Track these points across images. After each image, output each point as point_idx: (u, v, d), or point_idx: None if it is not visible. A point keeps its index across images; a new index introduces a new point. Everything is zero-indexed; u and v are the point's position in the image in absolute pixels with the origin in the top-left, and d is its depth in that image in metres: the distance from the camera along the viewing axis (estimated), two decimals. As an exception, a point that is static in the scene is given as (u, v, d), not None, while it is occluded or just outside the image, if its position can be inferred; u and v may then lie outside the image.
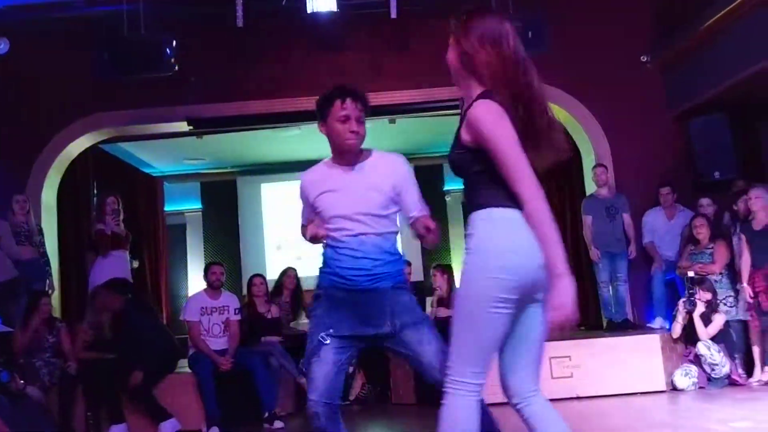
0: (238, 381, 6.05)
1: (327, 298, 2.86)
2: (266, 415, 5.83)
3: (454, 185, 12.26)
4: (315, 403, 2.74)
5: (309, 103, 8.44)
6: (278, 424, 5.78)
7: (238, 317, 6.31)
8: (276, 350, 6.33)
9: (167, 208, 11.79)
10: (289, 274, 7.36)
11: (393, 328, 2.75)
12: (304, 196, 2.98)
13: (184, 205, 12.34)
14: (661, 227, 7.27)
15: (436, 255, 11.40)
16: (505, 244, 2.18)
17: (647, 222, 7.32)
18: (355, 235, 2.81)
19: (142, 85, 7.47)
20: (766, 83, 6.51)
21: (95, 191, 8.65)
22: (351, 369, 7.13)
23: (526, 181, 2.17)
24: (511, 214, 2.20)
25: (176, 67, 6.84)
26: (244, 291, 7.47)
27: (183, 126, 8.09)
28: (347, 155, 2.88)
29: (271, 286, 7.19)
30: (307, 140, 9.72)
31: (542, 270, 2.19)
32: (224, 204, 11.78)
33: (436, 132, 10.34)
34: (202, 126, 8.23)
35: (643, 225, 7.33)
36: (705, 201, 6.97)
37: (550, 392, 5.75)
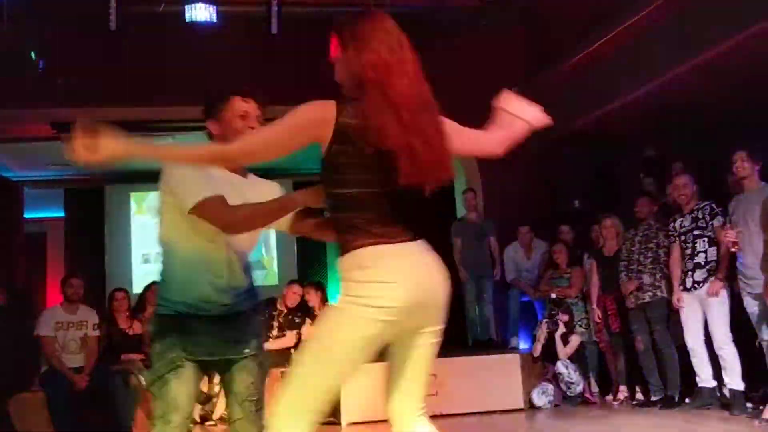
0: (94, 400, 5.75)
1: None
2: (123, 436, 5.58)
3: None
4: None
5: (182, 112, 8.31)
6: (136, 445, 5.54)
7: (97, 333, 6.01)
8: (136, 368, 6.08)
9: (27, 215, 11.09)
10: (153, 289, 7.10)
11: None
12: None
13: (46, 212, 11.64)
14: (522, 263, 7.62)
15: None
16: None
17: (509, 259, 7.62)
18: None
19: (4, 83, 7.02)
20: (621, 118, 7.01)
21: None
22: (217, 388, 6.97)
23: None
24: None
25: (42, 67, 6.48)
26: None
27: (47, 129, 7.66)
28: None
29: (135, 301, 6.91)
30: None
31: None
32: (90, 213, 11.18)
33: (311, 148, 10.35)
34: (69, 130, 7.81)
35: (505, 261, 7.63)
36: (564, 228, 7.38)
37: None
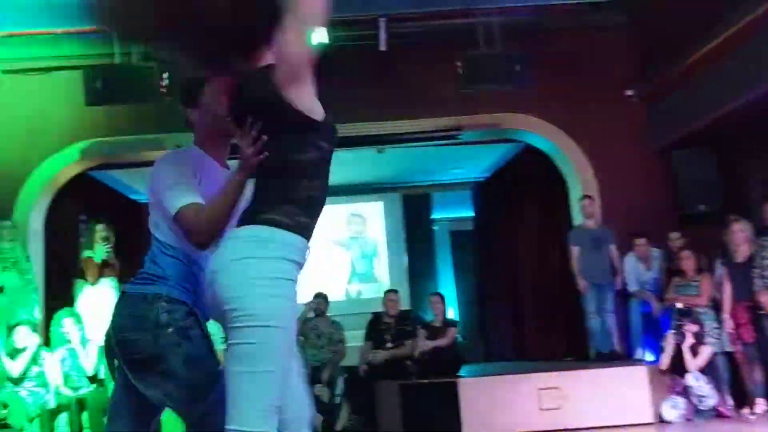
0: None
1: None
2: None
3: (441, 214, 12.33)
4: None
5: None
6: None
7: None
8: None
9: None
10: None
11: None
12: (193, 171, 2.25)
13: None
14: (642, 275, 7.32)
15: (423, 283, 11.41)
16: None
17: (629, 269, 7.33)
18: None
19: (132, 112, 7.49)
20: (749, 116, 6.63)
21: (82, 218, 8.61)
22: (338, 399, 7.10)
23: None
24: None
25: (166, 96, 6.86)
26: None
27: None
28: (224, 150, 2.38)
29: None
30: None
31: None
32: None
33: (423, 161, 10.42)
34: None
35: (625, 273, 7.34)
36: (674, 235, 7.06)
37: (539, 424, 5.81)
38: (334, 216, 11.69)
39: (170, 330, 2.11)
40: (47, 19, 7.17)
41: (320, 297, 7.63)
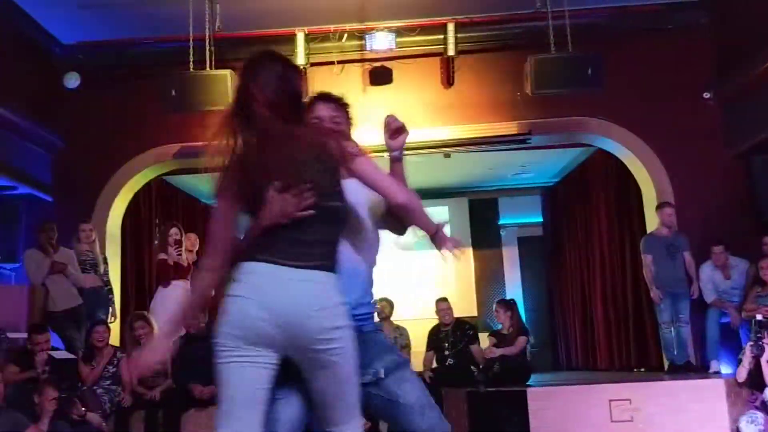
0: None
1: None
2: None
3: (509, 219, 12.18)
4: None
5: (364, 137, 8.58)
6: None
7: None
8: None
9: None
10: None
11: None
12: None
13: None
14: (720, 284, 7.04)
15: (491, 289, 11.31)
16: None
17: (706, 278, 7.06)
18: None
19: (206, 118, 7.68)
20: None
21: (157, 222, 8.89)
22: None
23: None
24: None
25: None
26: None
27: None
28: None
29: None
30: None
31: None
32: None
33: (490, 166, 10.32)
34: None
35: (702, 280, 7.09)
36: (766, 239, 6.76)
37: (610, 438, 5.63)
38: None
39: None
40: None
41: (384, 301, 7.65)
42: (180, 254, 7.09)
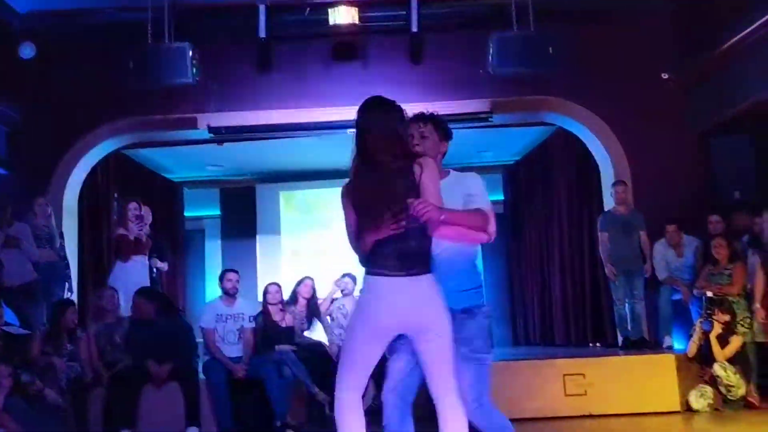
0: (250, 389, 6.09)
1: None
2: (278, 424, 5.85)
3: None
4: (384, 393, 3.02)
5: (328, 113, 8.61)
6: (290, 432, 5.81)
7: (253, 325, 6.36)
8: (289, 359, 6.36)
9: (186, 213, 11.90)
10: (305, 283, 7.39)
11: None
12: None
13: (203, 211, 12.44)
14: (673, 262, 7.21)
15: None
16: None
17: (658, 259, 7.22)
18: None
19: (165, 92, 7.57)
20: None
21: (115, 195, 8.76)
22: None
23: None
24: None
25: (198, 76, 6.93)
26: (260, 298, 7.51)
27: (204, 133, 8.18)
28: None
29: (286, 295, 7.23)
30: (324, 149, 9.77)
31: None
32: (243, 211, 11.85)
33: (452, 144, 10.33)
34: (223, 134, 8.32)
35: (655, 258, 7.24)
36: (714, 218, 6.93)
37: (563, 410, 5.79)
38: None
39: None
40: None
41: (347, 277, 7.68)
42: (141, 229, 7.01)
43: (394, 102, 3.04)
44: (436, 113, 3.34)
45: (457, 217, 2.91)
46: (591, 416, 5.91)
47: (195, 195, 11.97)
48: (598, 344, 8.55)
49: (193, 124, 8.10)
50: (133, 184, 9.41)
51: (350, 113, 8.52)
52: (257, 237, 11.73)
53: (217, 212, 12.30)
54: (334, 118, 7.98)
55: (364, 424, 2.96)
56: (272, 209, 11.80)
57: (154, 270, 7.17)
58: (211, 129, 8.07)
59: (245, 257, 11.36)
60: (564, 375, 6.01)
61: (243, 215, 11.80)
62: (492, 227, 3.03)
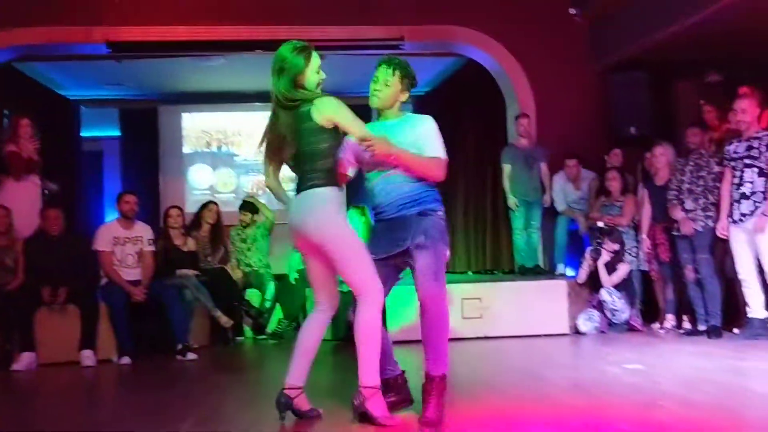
0: (151, 312, 6.01)
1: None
2: (179, 347, 5.83)
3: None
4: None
5: (235, 32, 8.31)
6: (191, 356, 5.78)
7: (152, 248, 6.22)
8: (191, 283, 6.29)
9: (83, 133, 11.36)
10: (210, 208, 7.26)
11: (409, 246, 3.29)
12: None
13: (102, 131, 11.90)
14: (571, 195, 7.50)
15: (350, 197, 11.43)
16: None
17: (557, 191, 7.49)
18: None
19: (63, 3, 7.10)
20: (683, 44, 6.72)
21: (6, 111, 8.23)
22: (268, 304, 7.19)
23: None
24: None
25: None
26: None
27: (103, 48, 7.76)
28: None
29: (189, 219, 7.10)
30: (231, 70, 9.48)
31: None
32: (144, 132, 11.40)
33: (365, 71, 10.24)
34: (123, 50, 7.91)
35: (554, 192, 7.50)
36: (616, 151, 7.22)
37: (460, 332, 6.00)
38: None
39: None
40: None
41: (247, 206, 7.59)
42: (36, 148, 6.63)
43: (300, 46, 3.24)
44: (405, 60, 3.47)
45: (410, 162, 3.24)
46: (486, 338, 6.18)
47: (93, 114, 11.40)
48: (496, 271, 8.88)
49: (90, 38, 7.65)
50: (26, 100, 8.86)
51: (258, 32, 8.34)
52: (159, 160, 11.36)
53: (117, 133, 11.78)
54: (243, 36, 7.73)
55: (318, 341, 3.31)
56: (175, 132, 11.42)
57: (46, 191, 6.83)
58: (109, 44, 7.66)
59: (146, 181, 11.01)
60: (462, 299, 6.23)
61: (144, 137, 11.36)
62: (443, 173, 3.32)
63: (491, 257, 9.24)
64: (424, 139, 3.33)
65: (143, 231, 6.24)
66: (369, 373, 3.15)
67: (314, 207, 3.15)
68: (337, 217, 3.18)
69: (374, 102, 3.47)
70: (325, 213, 3.14)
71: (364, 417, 3.17)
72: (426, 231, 3.28)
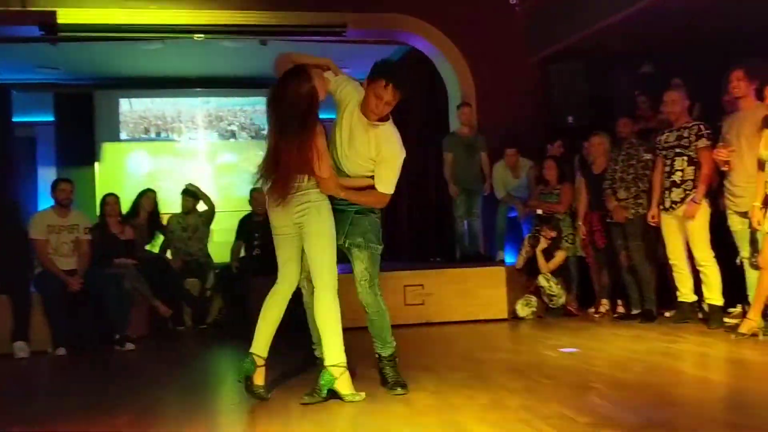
0: (88, 302, 5.88)
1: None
2: (117, 337, 5.72)
3: (325, 114, 12.19)
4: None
5: (175, 16, 8.13)
6: (129, 346, 5.69)
7: (89, 237, 6.08)
8: (129, 272, 6.18)
9: (15, 118, 10.97)
10: (148, 195, 7.13)
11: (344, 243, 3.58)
12: None
13: (35, 116, 11.51)
14: (510, 183, 7.63)
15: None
16: None
17: (497, 179, 7.61)
18: None
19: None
20: (619, 35, 6.90)
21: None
22: (208, 293, 7.10)
23: None
24: None
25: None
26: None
27: (36, 30, 7.49)
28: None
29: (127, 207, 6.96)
30: (170, 56, 9.29)
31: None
32: (79, 118, 11.06)
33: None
34: (57, 32, 7.65)
35: (494, 181, 7.62)
36: (556, 143, 7.37)
37: (403, 318, 6.07)
38: (214, 109, 11.35)
39: None
40: None
41: (188, 193, 7.48)
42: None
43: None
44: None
45: (354, 200, 3.53)
46: (429, 324, 6.25)
47: (26, 99, 11.01)
48: (438, 259, 8.97)
49: (22, 19, 7.38)
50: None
51: (199, 16, 8.17)
52: (96, 147, 11.06)
53: (51, 118, 11.41)
54: (183, 20, 7.58)
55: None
56: (112, 117, 11.13)
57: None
58: (43, 26, 7.40)
59: (82, 167, 10.71)
60: (404, 286, 6.29)
61: (80, 123, 11.03)
62: (384, 204, 3.63)
63: (434, 245, 9.33)
64: (382, 168, 3.55)
65: (79, 219, 6.09)
66: (334, 353, 3.38)
67: None
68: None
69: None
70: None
71: (334, 395, 3.37)
72: (364, 233, 3.57)
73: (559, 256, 6.54)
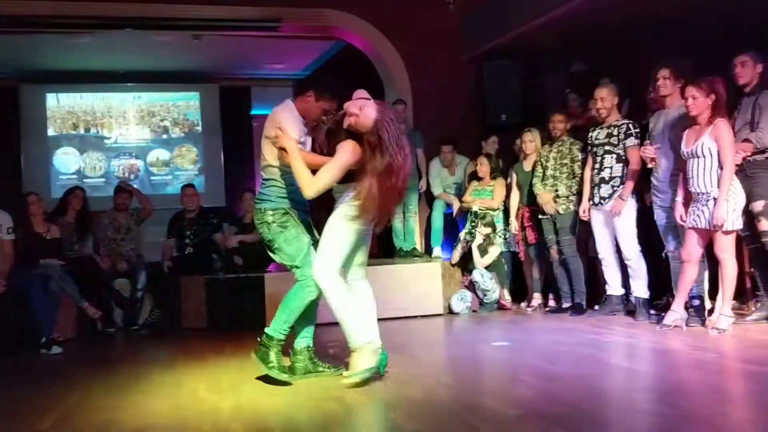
0: (12, 305, 5.67)
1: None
2: (43, 340, 5.53)
3: (261, 110, 12.07)
4: None
5: (103, 9, 7.91)
6: (56, 349, 5.51)
7: (12, 237, 5.85)
8: (56, 273, 5.98)
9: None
10: (76, 194, 6.91)
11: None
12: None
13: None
14: (446, 179, 7.69)
15: (240, 180, 11.25)
16: None
17: (433, 176, 7.67)
18: None
19: None
20: (551, 31, 7.03)
21: None
22: (140, 294, 6.92)
23: None
24: None
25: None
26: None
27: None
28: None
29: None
30: (99, 49, 9.03)
31: None
32: (3, 113, 10.63)
33: (244, 52, 10.05)
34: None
35: (430, 177, 7.68)
36: (491, 139, 7.47)
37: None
38: (145, 104, 11.10)
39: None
40: None
41: (121, 191, 7.30)
42: None
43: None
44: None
45: (292, 163, 3.77)
46: (364, 321, 6.24)
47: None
48: (374, 255, 8.97)
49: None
50: None
51: (129, 9, 7.97)
52: (21, 143, 10.66)
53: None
54: (112, 13, 7.37)
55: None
56: (39, 113, 10.75)
57: None
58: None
59: (6, 165, 10.31)
60: (341, 283, 6.25)
61: (4, 118, 10.60)
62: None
63: (373, 242, 9.32)
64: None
65: (1, 219, 5.85)
66: (353, 334, 3.72)
67: None
68: None
69: None
70: None
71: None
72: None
73: (493, 252, 6.63)
